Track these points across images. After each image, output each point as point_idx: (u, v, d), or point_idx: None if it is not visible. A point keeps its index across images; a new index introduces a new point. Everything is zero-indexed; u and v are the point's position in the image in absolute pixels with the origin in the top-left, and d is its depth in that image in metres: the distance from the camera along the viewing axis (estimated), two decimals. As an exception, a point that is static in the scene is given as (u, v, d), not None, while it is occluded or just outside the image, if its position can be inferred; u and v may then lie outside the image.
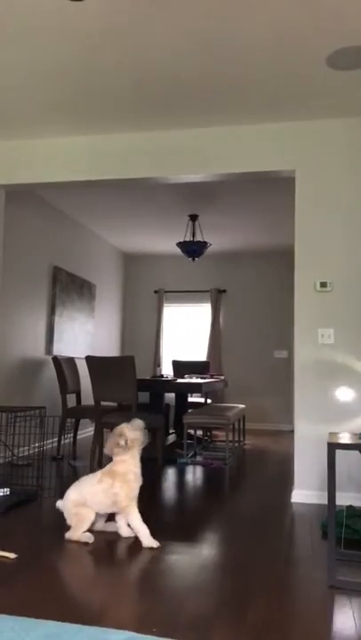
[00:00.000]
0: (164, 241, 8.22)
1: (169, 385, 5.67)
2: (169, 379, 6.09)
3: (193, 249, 6.64)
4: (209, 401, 7.46)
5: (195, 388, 5.71)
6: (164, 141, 4.54)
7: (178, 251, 7.58)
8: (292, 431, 4.17)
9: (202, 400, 7.22)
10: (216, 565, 2.73)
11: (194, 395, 7.19)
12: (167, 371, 8.84)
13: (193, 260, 6.81)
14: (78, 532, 3.05)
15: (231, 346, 8.91)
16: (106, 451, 3.20)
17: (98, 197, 6.30)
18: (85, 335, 7.61)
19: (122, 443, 3.11)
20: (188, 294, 9.14)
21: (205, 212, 6.67)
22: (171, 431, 6.68)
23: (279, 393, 8.56)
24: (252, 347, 8.83)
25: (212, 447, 6.47)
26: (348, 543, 3.02)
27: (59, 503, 3.22)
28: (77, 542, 3.01)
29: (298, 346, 4.19)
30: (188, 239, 7.06)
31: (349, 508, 3.40)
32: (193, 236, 6.98)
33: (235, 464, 5.54)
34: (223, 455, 5.65)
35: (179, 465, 5.35)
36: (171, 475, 4.95)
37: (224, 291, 8.97)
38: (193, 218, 6.84)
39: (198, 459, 5.68)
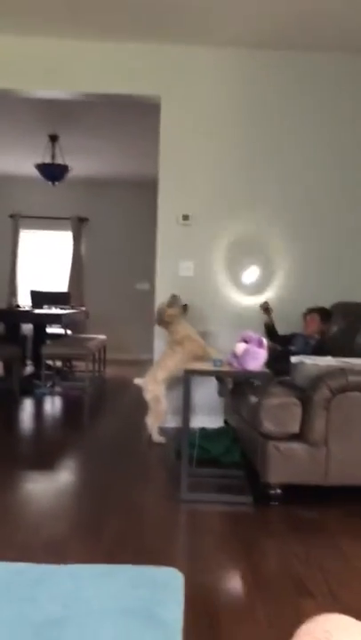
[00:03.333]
0: (20, 161, 7.64)
1: (26, 316, 5.47)
2: (26, 309, 5.87)
3: (52, 172, 6.28)
4: (69, 332, 7.37)
5: (54, 319, 5.58)
6: (22, 50, 4.12)
7: (36, 173, 7.10)
8: (152, 360, 4.29)
9: (62, 331, 7.10)
10: (73, 491, 2.79)
11: (53, 326, 7.03)
12: (25, 301, 8.50)
13: (53, 184, 6.46)
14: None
15: (93, 277, 8.78)
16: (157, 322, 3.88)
17: None
18: None
19: (166, 319, 3.75)
20: (47, 221, 8.71)
21: (67, 133, 6.28)
22: (28, 362, 6.52)
23: (140, 324, 8.70)
24: (114, 278, 8.78)
25: (71, 378, 6.46)
26: (199, 462, 3.24)
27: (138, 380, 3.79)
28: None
29: (159, 278, 4.24)
30: (47, 162, 6.63)
31: (202, 429, 3.63)
32: (53, 159, 6.58)
33: (94, 393, 5.60)
34: (83, 385, 5.67)
35: (37, 395, 5.28)
36: (28, 405, 4.88)
37: (86, 219, 8.71)
38: (53, 138, 6.41)
39: (57, 389, 5.65)
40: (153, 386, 3.78)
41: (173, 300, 3.85)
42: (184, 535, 2.34)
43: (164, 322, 3.81)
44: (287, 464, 2.64)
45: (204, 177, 4.22)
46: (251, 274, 4.26)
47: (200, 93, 4.20)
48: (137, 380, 3.90)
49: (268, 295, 4.24)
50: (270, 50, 4.17)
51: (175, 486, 2.83)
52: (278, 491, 2.66)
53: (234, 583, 1.90)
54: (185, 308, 3.93)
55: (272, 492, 2.66)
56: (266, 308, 4.09)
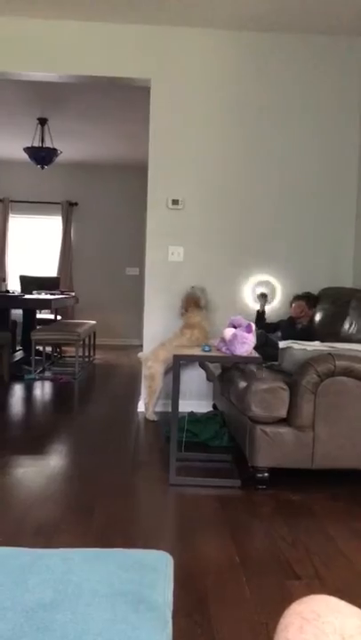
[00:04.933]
0: (9, 145, 7.55)
1: (15, 301, 5.45)
2: (15, 294, 5.84)
3: (42, 155, 6.21)
4: (59, 317, 7.35)
5: (43, 305, 5.57)
6: (9, 31, 4.04)
7: (25, 157, 7.02)
8: (142, 346, 4.30)
9: (52, 317, 7.09)
10: (63, 475, 2.81)
11: (43, 311, 7.01)
12: (15, 286, 8.46)
13: (42, 167, 6.39)
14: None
15: (83, 262, 8.74)
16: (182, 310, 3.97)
17: None
18: None
19: (202, 303, 3.92)
20: (36, 205, 8.63)
21: (56, 116, 6.20)
22: (18, 348, 6.51)
23: (130, 309, 8.70)
24: (103, 263, 8.74)
25: (61, 363, 6.46)
26: (187, 446, 3.28)
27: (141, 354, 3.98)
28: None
29: (148, 263, 4.23)
30: (36, 145, 6.55)
31: (191, 414, 3.67)
32: (42, 142, 6.50)
33: (84, 379, 5.62)
34: (73, 370, 5.68)
35: (26, 381, 5.28)
36: (18, 391, 4.88)
37: (76, 204, 8.64)
38: (42, 122, 6.33)
39: (47, 374, 5.65)
40: (153, 363, 3.88)
41: (201, 291, 4.01)
42: (173, 518, 2.38)
43: (192, 306, 3.93)
44: (275, 448, 2.67)
45: (195, 161, 4.20)
46: (240, 259, 4.27)
47: (191, 76, 4.16)
48: (140, 354, 4.07)
49: (258, 280, 4.25)
50: (263, 32, 4.13)
51: (165, 470, 2.86)
52: (266, 474, 2.69)
53: (222, 566, 1.94)
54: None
55: (260, 475, 2.70)
56: (262, 296, 4.12)
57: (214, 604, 1.68)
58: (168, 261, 4.21)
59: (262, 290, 4.18)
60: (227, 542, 2.12)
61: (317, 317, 3.73)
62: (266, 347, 3.33)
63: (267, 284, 4.23)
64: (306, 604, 0.61)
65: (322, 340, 3.02)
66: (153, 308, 4.23)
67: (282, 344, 2.97)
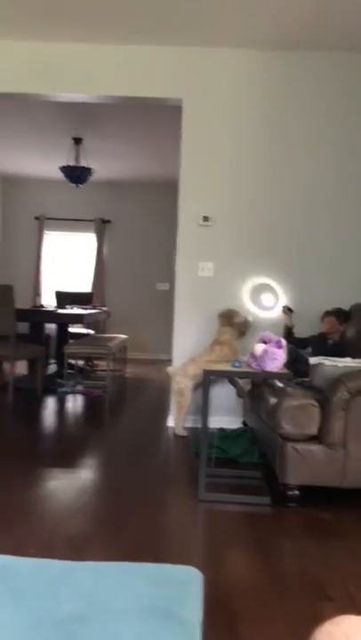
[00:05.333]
0: (45, 164, 7.76)
1: (50, 315, 5.56)
2: (49, 309, 5.96)
3: (76, 174, 6.36)
4: (92, 332, 7.46)
5: (76, 319, 5.66)
6: (47, 54, 4.19)
7: (60, 176, 7.20)
8: (171, 360, 4.33)
9: (84, 331, 7.19)
10: (94, 488, 2.84)
11: (76, 325, 7.12)
12: (50, 301, 8.62)
13: (77, 186, 6.54)
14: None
15: (115, 277, 8.86)
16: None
17: (-30, 110, 5.72)
18: None
19: (236, 320, 3.96)
20: (71, 222, 8.82)
21: (90, 136, 6.36)
22: (52, 361, 6.62)
23: (160, 324, 8.76)
24: (135, 278, 8.85)
25: (93, 376, 6.54)
26: (217, 462, 3.27)
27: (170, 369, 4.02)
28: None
29: (178, 278, 4.27)
30: (71, 164, 6.71)
31: (220, 430, 3.66)
32: (77, 161, 6.67)
33: (115, 392, 5.67)
34: (104, 384, 5.74)
35: (59, 394, 5.36)
36: (50, 404, 4.96)
37: (109, 221, 8.79)
38: (77, 141, 6.50)
39: (79, 388, 5.73)
40: (182, 378, 3.89)
41: (237, 313, 4.05)
42: (202, 535, 2.38)
43: (226, 321, 3.98)
44: (305, 465, 2.65)
45: (225, 178, 4.24)
46: (270, 274, 4.27)
47: (221, 95, 4.22)
48: (169, 369, 4.08)
49: (288, 296, 4.24)
50: (292, 50, 4.17)
51: (194, 485, 2.86)
52: (296, 492, 2.67)
53: (252, 584, 1.93)
54: (246, 323, 4.09)
55: (290, 493, 2.67)
56: (287, 310, 4.10)
57: (244, 623, 1.67)
58: (198, 277, 4.25)
59: (287, 304, 4.17)
60: (256, 560, 2.11)
61: (349, 333, 3.70)
62: (296, 363, 3.31)
63: (296, 299, 4.21)
64: (337, 624, 0.61)
65: (353, 357, 3.00)
66: (183, 322, 4.26)
67: (312, 360, 2.95)
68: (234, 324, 3.96)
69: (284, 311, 4.12)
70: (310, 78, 4.21)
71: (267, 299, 4.26)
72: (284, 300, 4.22)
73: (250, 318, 4.11)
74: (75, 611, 1.15)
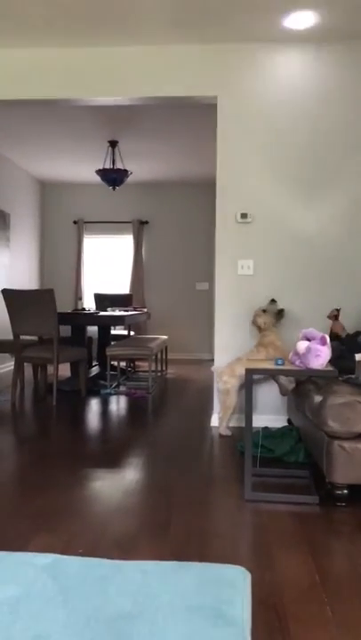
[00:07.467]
0: (82, 168, 7.88)
1: (91, 318, 5.63)
2: (91, 312, 6.03)
3: (113, 177, 6.42)
4: (132, 333, 7.51)
5: (117, 321, 5.70)
6: (81, 59, 4.25)
7: (97, 179, 7.30)
8: (213, 360, 4.31)
9: (125, 332, 7.25)
10: (139, 488, 2.85)
11: (117, 327, 7.19)
12: (89, 304, 8.75)
13: (113, 188, 6.61)
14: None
15: (154, 278, 8.91)
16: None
17: (10, 120, 5.87)
18: (0, 267, 7.30)
19: (260, 324, 3.92)
20: (109, 225, 8.93)
21: (126, 138, 6.42)
22: (94, 363, 6.70)
23: (200, 324, 8.75)
24: (174, 279, 8.87)
25: (135, 377, 6.59)
26: (263, 461, 3.23)
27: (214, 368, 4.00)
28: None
29: (218, 277, 4.25)
30: (107, 166, 6.79)
31: (265, 429, 3.62)
32: (113, 164, 6.73)
33: (157, 393, 5.69)
34: (146, 385, 5.77)
35: (102, 395, 5.42)
36: (94, 405, 5.02)
37: (146, 222, 8.84)
38: (113, 144, 6.56)
39: (122, 389, 5.78)
40: (229, 377, 3.87)
41: (269, 306, 3.99)
42: (250, 534, 2.35)
43: (257, 324, 3.99)
44: (353, 464, 2.58)
45: (262, 175, 4.19)
46: (312, 271, 4.19)
47: (257, 91, 4.18)
48: (214, 368, 4.05)
49: (328, 294, 4.15)
50: (330, 43, 4.09)
51: (240, 485, 2.83)
52: (345, 491, 2.61)
53: (301, 584, 1.89)
54: (281, 312, 4.03)
55: (338, 492, 2.61)
56: (335, 315, 3.82)
57: (294, 624, 1.64)
58: (238, 275, 4.21)
59: (335, 306, 4.04)
60: (306, 560, 2.06)
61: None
62: (342, 359, 3.23)
63: (339, 297, 4.12)
64: None
65: None
66: (223, 321, 4.23)
67: (358, 357, 2.88)
68: (263, 316, 3.93)
69: (330, 317, 3.73)
70: (353, 71, 4.11)
71: (307, 295, 4.18)
72: (323, 296, 4.13)
73: (282, 308, 4.07)
74: (123, 609, 1.15)
